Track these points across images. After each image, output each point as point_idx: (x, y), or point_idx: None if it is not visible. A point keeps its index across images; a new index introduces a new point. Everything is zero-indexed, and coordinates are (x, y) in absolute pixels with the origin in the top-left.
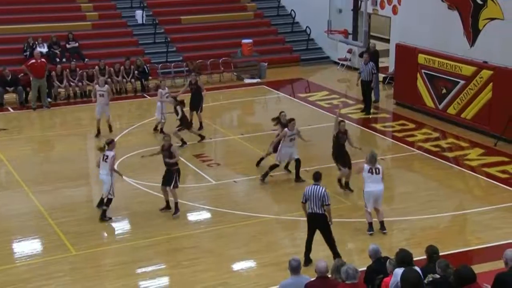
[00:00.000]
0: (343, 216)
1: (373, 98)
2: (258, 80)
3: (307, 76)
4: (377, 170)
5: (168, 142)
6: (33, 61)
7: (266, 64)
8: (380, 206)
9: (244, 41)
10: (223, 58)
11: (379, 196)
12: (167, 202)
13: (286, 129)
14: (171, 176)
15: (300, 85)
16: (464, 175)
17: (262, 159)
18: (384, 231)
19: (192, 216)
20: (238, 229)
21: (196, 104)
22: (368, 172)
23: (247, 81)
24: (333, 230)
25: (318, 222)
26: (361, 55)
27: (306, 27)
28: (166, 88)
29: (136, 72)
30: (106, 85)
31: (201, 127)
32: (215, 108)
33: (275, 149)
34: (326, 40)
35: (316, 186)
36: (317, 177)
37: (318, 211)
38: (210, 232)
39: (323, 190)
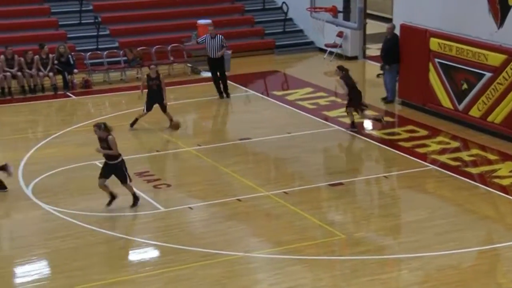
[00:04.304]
0: (335, 253)
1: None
2: None
3: (285, 68)
4: None
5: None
6: None
7: (230, 52)
8: None
9: (201, 21)
10: (173, 45)
11: None
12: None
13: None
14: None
15: (275, 80)
16: (492, 197)
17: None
18: None
19: (134, 255)
20: (196, 271)
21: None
22: None
23: (204, 74)
24: (323, 269)
25: None
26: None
27: (283, 3)
28: None
29: (56, 62)
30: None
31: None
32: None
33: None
34: (309, 20)
35: None
36: None
37: None
38: (159, 275)
39: None
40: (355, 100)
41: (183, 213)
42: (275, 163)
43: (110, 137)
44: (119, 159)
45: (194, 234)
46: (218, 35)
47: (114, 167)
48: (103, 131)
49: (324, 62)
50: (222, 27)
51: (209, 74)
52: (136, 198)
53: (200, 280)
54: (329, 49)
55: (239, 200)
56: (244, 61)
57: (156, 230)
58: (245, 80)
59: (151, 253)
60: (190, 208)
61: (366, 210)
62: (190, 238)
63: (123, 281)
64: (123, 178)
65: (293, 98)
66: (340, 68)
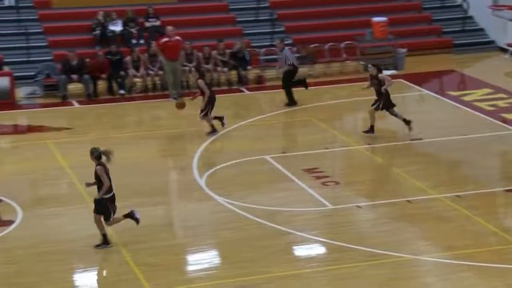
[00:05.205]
0: (511, 261)
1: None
2: (394, 72)
3: (462, 68)
4: None
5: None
6: (167, 39)
7: (405, 50)
8: None
9: (376, 19)
10: (347, 42)
11: None
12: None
13: None
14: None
15: (451, 80)
16: None
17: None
18: None
19: (301, 250)
20: (363, 271)
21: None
22: None
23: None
24: (497, 277)
25: None
26: None
27: (463, 0)
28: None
29: (232, 58)
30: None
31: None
32: (333, 108)
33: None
34: (491, 18)
35: None
36: None
37: None
38: (325, 272)
39: None
40: (386, 101)
41: (351, 212)
42: (448, 165)
43: (98, 167)
44: (109, 195)
45: (361, 233)
46: (286, 48)
47: (99, 201)
48: (95, 159)
49: (505, 62)
50: (397, 25)
51: (385, 72)
52: (105, 241)
53: (366, 279)
54: (510, 49)
55: (408, 201)
56: (420, 60)
57: (323, 227)
58: (420, 79)
59: (317, 250)
60: (358, 206)
61: None
62: (357, 237)
63: (289, 275)
64: (106, 215)
65: (470, 99)
66: (374, 64)
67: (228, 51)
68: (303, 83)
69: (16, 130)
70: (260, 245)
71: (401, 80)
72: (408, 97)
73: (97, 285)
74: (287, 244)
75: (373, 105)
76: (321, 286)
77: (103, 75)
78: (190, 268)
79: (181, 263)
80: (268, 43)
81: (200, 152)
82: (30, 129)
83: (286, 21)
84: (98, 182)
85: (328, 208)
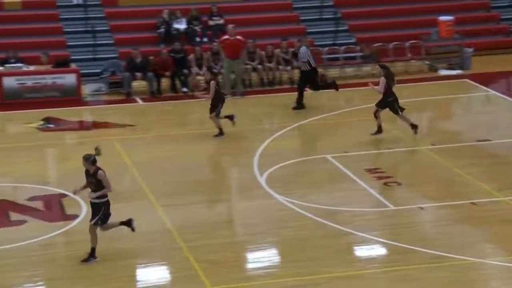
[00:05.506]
0: None
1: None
2: (459, 71)
3: None
4: None
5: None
6: (226, 37)
7: (471, 50)
8: None
9: (442, 18)
10: (412, 41)
11: None
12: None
13: None
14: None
15: None
16: None
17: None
18: None
19: (362, 251)
20: (425, 273)
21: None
22: None
23: (443, 72)
24: None
25: None
26: None
27: None
28: None
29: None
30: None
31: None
32: None
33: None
34: None
35: None
36: None
37: None
38: (386, 273)
39: None
40: (389, 102)
41: (413, 213)
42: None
43: (100, 171)
44: (105, 199)
45: (423, 235)
46: (303, 47)
47: (94, 205)
48: (91, 164)
49: None
50: (464, 24)
51: (447, 72)
52: (92, 254)
53: (428, 282)
54: None
55: (473, 203)
56: (487, 60)
57: (384, 228)
58: (487, 79)
59: (378, 250)
60: (420, 208)
61: None
62: (419, 238)
63: (350, 276)
64: (96, 219)
65: None
66: (382, 66)
67: (291, 49)
68: (333, 85)
69: (82, 126)
70: (320, 244)
71: (467, 80)
72: (474, 97)
73: (159, 280)
74: (348, 244)
75: (396, 113)
76: (381, 287)
77: (167, 73)
78: (250, 265)
79: (241, 260)
80: (331, 42)
81: (261, 150)
82: (95, 125)
83: (350, 19)
84: (95, 186)
85: (390, 209)
